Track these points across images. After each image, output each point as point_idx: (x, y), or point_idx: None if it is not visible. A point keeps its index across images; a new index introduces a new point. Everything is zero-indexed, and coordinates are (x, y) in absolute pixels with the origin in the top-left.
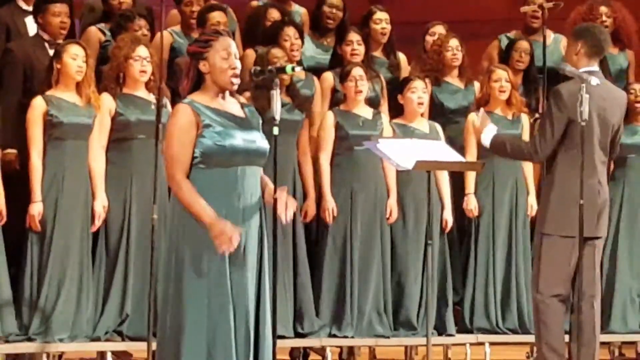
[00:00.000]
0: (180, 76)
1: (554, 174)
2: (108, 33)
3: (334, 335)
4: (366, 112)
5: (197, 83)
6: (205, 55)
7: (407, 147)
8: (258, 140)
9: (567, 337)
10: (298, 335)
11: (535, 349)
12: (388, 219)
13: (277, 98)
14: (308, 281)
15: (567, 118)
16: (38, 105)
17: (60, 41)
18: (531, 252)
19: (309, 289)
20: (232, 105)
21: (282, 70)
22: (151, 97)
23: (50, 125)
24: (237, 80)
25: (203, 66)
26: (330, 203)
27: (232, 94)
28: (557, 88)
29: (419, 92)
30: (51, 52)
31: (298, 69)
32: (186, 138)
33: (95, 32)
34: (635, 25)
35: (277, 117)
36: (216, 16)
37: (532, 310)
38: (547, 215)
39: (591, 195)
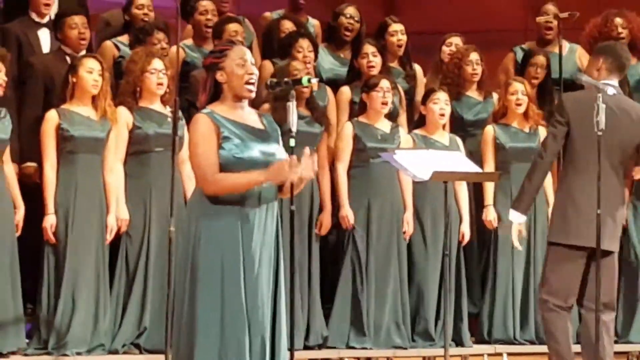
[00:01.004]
0: (196, 89)
1: (562, 183)
2: (122, 48)
3: (352, 347)
4: (385, 125)
5: (215, 94)
6: (221, 65)
7: (424, 158)
8: (277, 152)
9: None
10: (305, 347)
11: None
12: (404, 232)
13: (294, 110)
14: (317, 293)
15: (567, 122)
16: (51, 118)
17: (82, 53)
18: None
19: (318, 301)
20: (251, 116)
21: (298, 82)
22: (166, 111)
23: (62, 138)
24: (253, 88)
25: (220, 76)
26: (348, 211)
27: (250, 104)
28: (565, 94)
29: (441, 104)
30: None
31: (314, 80)
32: (211, 145)
33: (110, 47)
34: None
35: (294, 129)
36: (233, 27)
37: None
38: (553, 224)
39: (592, 204)
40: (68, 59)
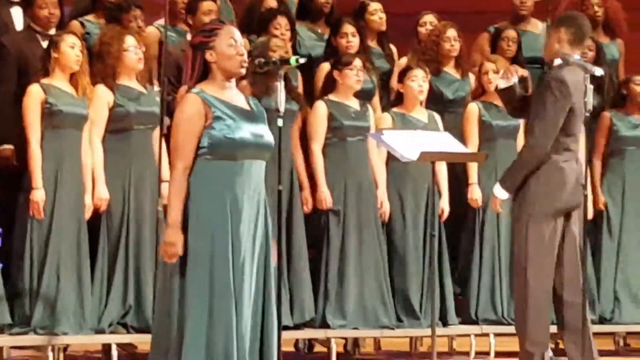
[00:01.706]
0: (170, 64)
1: (546, 158)
2: (88, 25)
3: (340, 326)
4: (355, 103)
5: (204, 73)
6: (212, 44)
7: (412, 138)
8: (265, 134)
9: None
10: (293, 326)
11: None
12: (379, 209)
13: (282, 90)
14: (306, 272)
15: (570, 105)
16: (35, 92)
17: (52, 32)
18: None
19: (305, 279)
20: (239, 97)
21: (286, 62)
22: (143, 88)
23: (48, 113)
24: (245, 65)
25: (210, 56)
26: (325, 193)
27: (237, 85)
28: (562, 76)
29: (419, 81)
30: (44, 44)
31: (302, 60)
32: (192, 128)
33: (77, 27)
34: (623, 13)
35: (282, 109)
36: (207, 5)
37: (518, 299)
38: (535, 198)
39: (574, 174)
40: (39, 37)
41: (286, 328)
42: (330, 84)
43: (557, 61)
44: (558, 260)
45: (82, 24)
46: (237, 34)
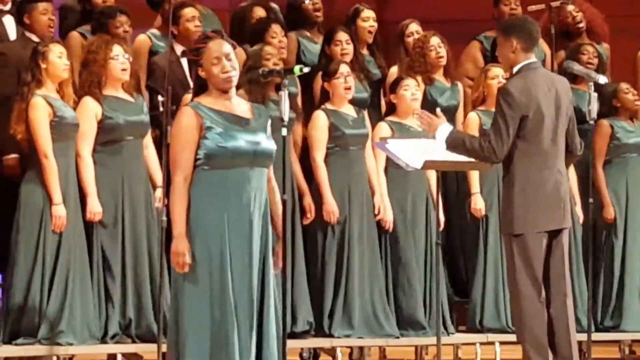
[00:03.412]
0: (157, 75)
1: (513, 172)
2: (89, 37)
3: (330, 335)
4: (351, 110)
5: (203, 86)
6: (200, 62)
7: (416, 147)
8: (263, 141)
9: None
10: (292, 335)
11: None
12: (376, 215)
13: (286, 99)
14: (302, 279)
15: (519, 115)
16: (43, 105)
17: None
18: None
19: (304, 288)
20: (239, 106)
21: (290, 71)
22: (131, 98)
23: (57, 125)
24: (232, 81)
25: (201, 72)
26: (332, 205)
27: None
28: (506, 86)
29: (411, 89)
30: None
31: (306, 69)
32: (188, 140)
33: (78, 37)
34: (602, 16)
35: (286, 118)
36: (189, 12)
37: (514, 309)
38: (515, 214)
39: (553, 185)
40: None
41: (292, 336)
42: (325, 95)
43: (515, 70)
44: (545, 273)
45: (82, 35)
46: (223, 48)
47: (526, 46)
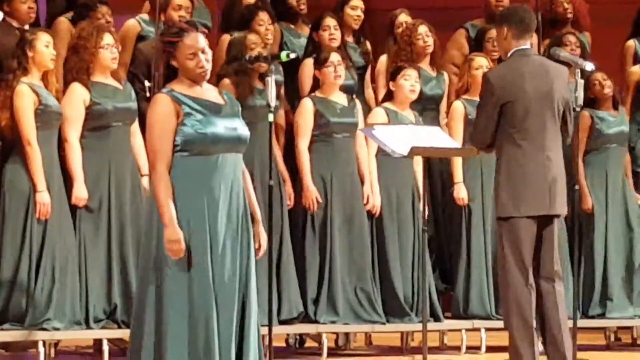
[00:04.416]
0: (140, 61)
1: (500, 158)
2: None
3: (316, 321)
4: (342, 98)
5: (172, 74)
6: (174, 53)
7: (403, 133)
8: (239, 127)
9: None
10: (282, 322)
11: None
12: (365, 204)
13: (272, 85)
14: (290, 266)
15: (498, 101)
16: (28, 94)
17: (27, 27)
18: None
19: (292, 274)
20: (210, 93)
21: (277, 57)
22: (119, 85)
23: (40, 114)
24: (206, 73)
25: (173, 62)
26: (313, 192)
27: (208, 81)
28: (486, 74)
29: (412, 80)
30: None
31: (293, 55)
32: (167, 127)
33: (66, 22)
34: (587, 6)
35: (273, 104)
36: (177, 0)
37: (502, 294)
38: (501, 198)
39: (539, 170)
40: (17, 32)
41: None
42: (316, 82)
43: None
44: (536, 260)
45: (70, 20)
46: (198, 42)
47: (517, 33)
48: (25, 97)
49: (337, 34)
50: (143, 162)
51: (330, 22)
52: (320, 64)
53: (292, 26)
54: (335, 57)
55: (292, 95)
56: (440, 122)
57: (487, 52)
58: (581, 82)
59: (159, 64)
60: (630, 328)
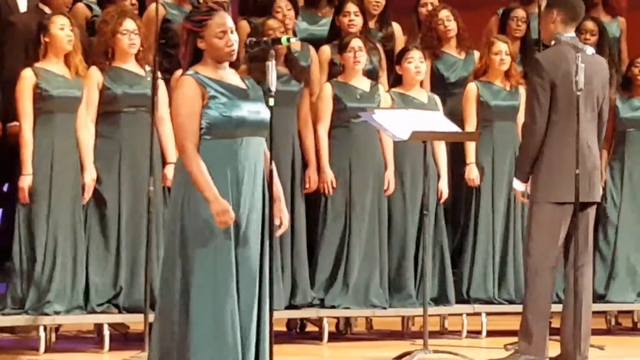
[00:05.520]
0: (175, 41)
1: (543, 143)
2: (96, 8)
3: (332, 306)
4: (364, 84)
5: (197, 57)
6: (201, 34)
7: (404, 118)
8: (262, 111)
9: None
10: (291, 307)
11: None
12: (386, 190)
13: (273, 69)
14: (304, 253)
15: (549, 83)
16: (28, 77)
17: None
18: None
19: (305, 261)
20: (233, 77)
21: (277, 41)
22: (141, 71)
23: (40, 98)
24: (234, 54)
25: (200, 43)
26: (329, 175)
27: (231, 65)
28: (536, 57)
29: (416, 62)
30: None
31: (294, 39)
32: (194, 108)
33: (83, 9)
34: None
35: (273, 89)
36: None
37: (524, 272)
38: (537, 183)
39: (579, 159)
40: None
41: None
42: (340, 67)
43: (552, 42)
44: (566, 247)
45: (89, 7)
46: (227, 22)
47: (566, 18)
48: (23, 81)
49: (358, 20)
50: (171, 150)
51: (351, 7)
52: (341, 49)
53: (314, 10)
54: (356, 42)
55: None
56: None
57: (510, 31)
58: (582, 66)
59: (185, 46)
60: (630, 312)
